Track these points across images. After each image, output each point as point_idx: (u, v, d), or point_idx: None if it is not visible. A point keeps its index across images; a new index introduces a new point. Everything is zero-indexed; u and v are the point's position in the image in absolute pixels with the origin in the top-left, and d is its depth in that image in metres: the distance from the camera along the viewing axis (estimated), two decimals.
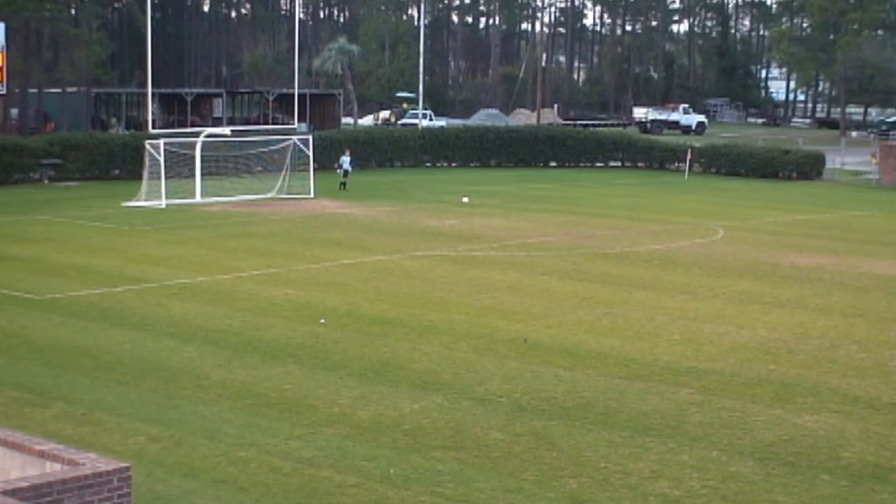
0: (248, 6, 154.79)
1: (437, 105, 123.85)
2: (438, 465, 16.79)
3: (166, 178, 50.35)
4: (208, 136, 56.44)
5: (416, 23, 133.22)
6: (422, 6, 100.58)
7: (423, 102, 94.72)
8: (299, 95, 72.85)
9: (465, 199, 54.02)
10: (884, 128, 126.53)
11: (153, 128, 67.86)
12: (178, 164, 52.94)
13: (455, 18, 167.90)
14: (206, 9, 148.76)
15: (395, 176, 64.99)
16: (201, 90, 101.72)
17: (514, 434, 18.28)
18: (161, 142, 51.70)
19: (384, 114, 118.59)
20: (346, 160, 59.25)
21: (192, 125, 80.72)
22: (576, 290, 31.46)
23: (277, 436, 18.05)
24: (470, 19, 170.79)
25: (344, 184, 58.06)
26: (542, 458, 17.17)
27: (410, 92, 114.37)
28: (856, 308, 30.22)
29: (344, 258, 36.00)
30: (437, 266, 35.21)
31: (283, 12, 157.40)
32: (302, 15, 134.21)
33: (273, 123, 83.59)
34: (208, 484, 16.06)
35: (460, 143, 78.13)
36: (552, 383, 21.35)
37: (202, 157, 53.73)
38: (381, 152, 74.74)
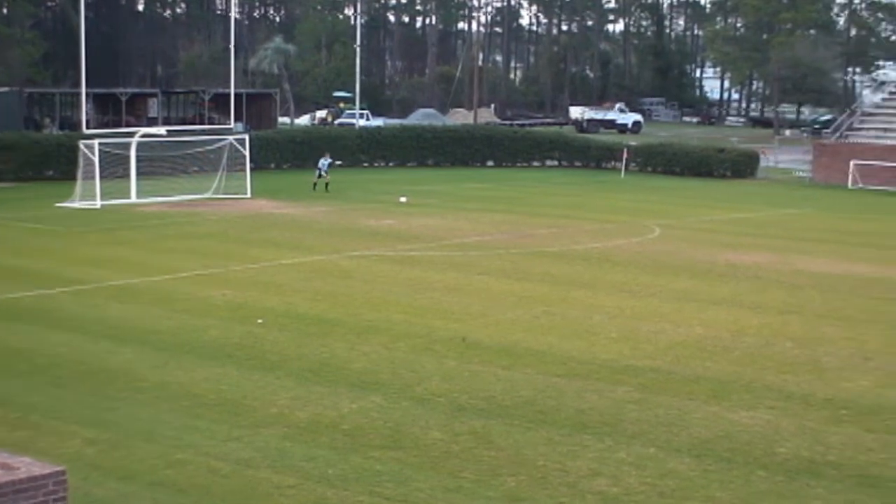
0: (183, 6, 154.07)
1: (375, 104, 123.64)
2: (377, 465, 16.79)
3: (101, 178, 49.92)
4: (143, 136, 56.07)
5: (352, 22, 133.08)
6: (358, 6, 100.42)
7: (360, 102, 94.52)
8: (235, 95, 72.68)
9: (404, 199, 54.01)
10: (817, 126, 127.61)
11: (87, 128, 67.37)
12: (113, 165, 52.48)
13: (392, 18, 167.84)
14: (140, 8, 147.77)
15: (333, 176, 64.57)
16: (136, 90, 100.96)
17: (453, 433, 18.31)
18: (95, 142, 51.21)
19: (321, 113, 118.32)
20: (325, 163, 58.63)
21: (127, 125, 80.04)
22: (514, 289, 31.54)
23: (215, 437, 17.98)
24: (406, 19, 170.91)
25: (326, 184, 57.55)
26: (481, 457, 17.20)
27: (347, 91, 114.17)
28: (790, 305, 30.50)
29: (282, 258, 35.90)
30: (376, 266, 35.19)
31: (218, 12, 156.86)
32: (237, 14, 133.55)
33: (209, 123, 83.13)
34: (146, 486, 15.97)
35: (398, 142, 78.10)
36: (491, 382, 21.40)
37: (137, 157, 53.30)
38: (318, 152, 74.34)
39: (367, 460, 17.00)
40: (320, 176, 58.07)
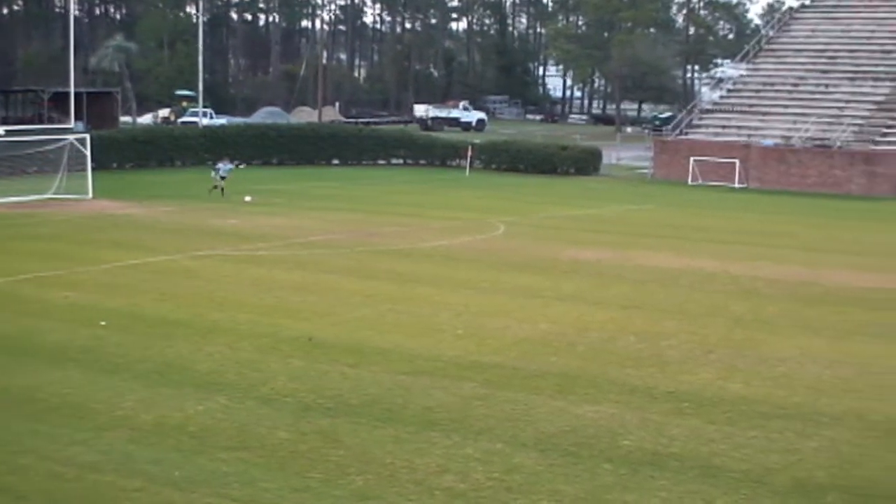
0: (20, 3, 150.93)
1: (218, 103, 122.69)
2: (224, 467, 16.66)
3: None
4: None
5: (194, 20, 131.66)
6: (200, 3, 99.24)
7: (204, 100, 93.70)
8: (75, 94, 71.48)
9: (248, 199, 53.64)
10: (657, 123, 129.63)
11: None
12: None
13: (234, 16, 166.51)
14: None
15: (176, 175, 64.16)
16: None
17: (300, 433, 18.24)
18: None
19: (163, 112, 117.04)
20: (225, 167, 57.12)
21: None
22: (360, 287, 31.52)
23: (59, 441, 17.67)
24: (249, 17, 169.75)
25: (222, 189, 55.97)
26: (329, 457, 17.17)
27: (190, 90, 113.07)
28: (633, 300, 30.96)
29: (125, 259, 35.40)
30: (220, 266, 34.91)
31: (57, 9, 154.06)
32: (77, 12, 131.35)
33: (49, 123, 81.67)
34: None
35: (242, 141, 77.53)
36: (337, 381, 21.36)
37: None
38: (161, 151, 73.74)
39: (214, 462, 16.86)
40: (223, 178, 56.60)
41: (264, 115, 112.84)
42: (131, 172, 68.65)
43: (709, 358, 24.32)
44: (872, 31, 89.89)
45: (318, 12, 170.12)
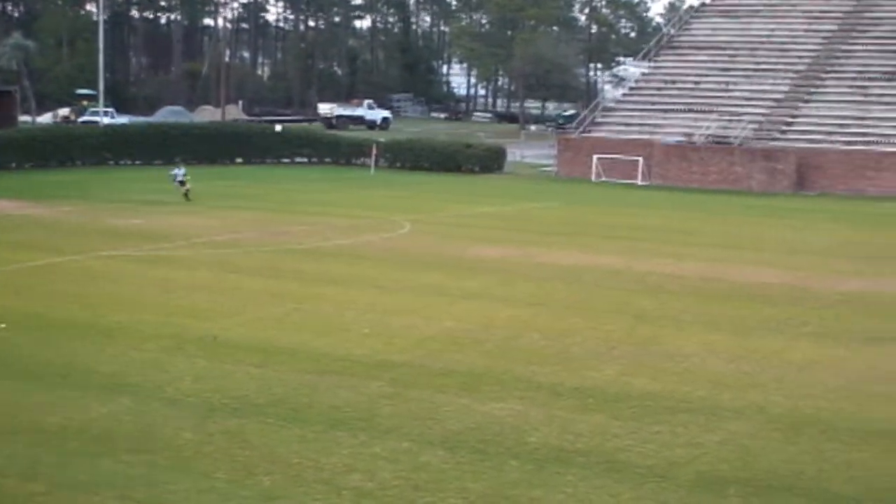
0: None
1: (119, 102, 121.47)
2: (129, 469, 16.51)
3: None
4: None
5: (94, 18, 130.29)
6: (100, 1, 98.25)
7: (105, 99, 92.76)
8: None
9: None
10: (561, 121, 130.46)
11: None
12: None
13: (135, 14, 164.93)
14: None
15: (77, 175, 63.46)
16: None
17: (206, 434, 18.13)
18: None
19: (63, 111, 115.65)
20: (178, 172, 56.07)
21: None
22: (266, 286, 31.38)
23: None
24: (151, 15, 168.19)
25: (186, 193, 55.07)
26: (235, 457, 17.08)
27: (91, 89, 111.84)
28: (538, 297, 31.12)
29: (26, 260, 34.92)
30: (124, 266, 34.59)
31: None
32: None
33: None
34: None
35: (144, 140, 76.89)
36: (243, 381, 21.25)
37: None
38: (61, 151, 72.85)
39: (118, 464, 16.70)
40: (182, 184, 55.53)
41: (166, 114, 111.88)
42: (31, 172, 67.79)
43: (613, 354, 24.50)
44: (772, 29, 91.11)
45: (221, 10, 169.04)
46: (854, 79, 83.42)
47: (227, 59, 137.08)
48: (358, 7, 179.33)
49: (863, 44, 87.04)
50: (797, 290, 34.07)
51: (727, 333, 27.18)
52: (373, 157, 79.26)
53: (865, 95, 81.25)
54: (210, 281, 32.11)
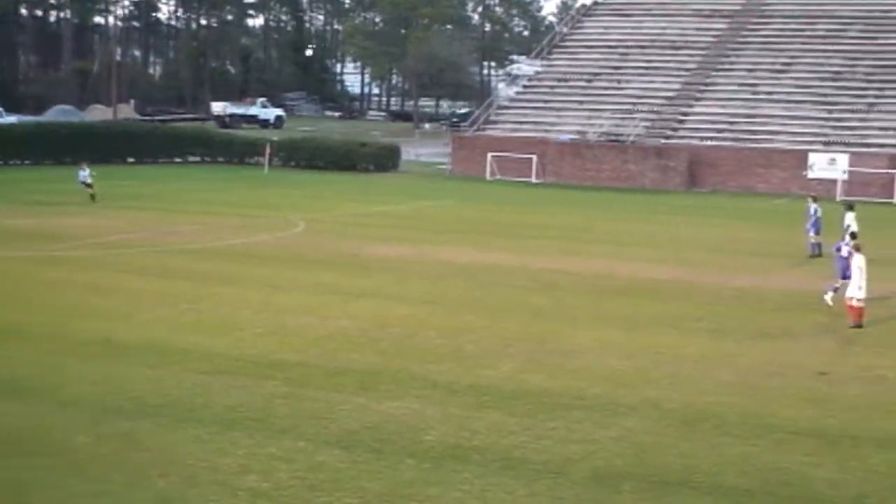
0: None
1: (8, 101, 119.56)
2: (22, 473, 16.26)
3: None
4: None
5: None
6: None
7: None
8: None
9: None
10: (455, 119, 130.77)
11: None
12: None
13: (24, 11, 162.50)
14: None
15: None
16: None
17: (100, 436, 17.91)
18: None
19: None
20: (83, 174, 54.76)
21: None
22: (159, 287, 31.09)
23: None
24: (40, 13, 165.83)
25: (92, 195, 53.86)
26: (130, 459, 16.90)
27: None
28: (434, 296, 31.17)
29: None
30: (15, 267, 34.07)
31: None
32: None
33: None
34: None
35: (33, 140, 75.76)
36: (137, 382, 21.03)
37: None
38: None
39: (11, 469, 16.45)
40: (88, 185, 54.13)
41: (57, 114, 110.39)
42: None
43: (509, 351, 24.60)
44: (663, 28, 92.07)
45: (111, 8, 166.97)
46: (744, 77, 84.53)
47: (118, 57, 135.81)
48: (251, 5, 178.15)
49: (752, 42, 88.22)
50: (690, 286, 34.49)
51: (622, 330, 27.41)
52: (267, 156, 78.88)
53: (755, 93, 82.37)
54: (103, 282, 31.74)
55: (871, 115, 78.18)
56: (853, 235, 32.51)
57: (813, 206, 42.65)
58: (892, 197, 69.87)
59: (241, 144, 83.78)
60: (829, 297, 30.80)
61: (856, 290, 28.39)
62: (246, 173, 74.44)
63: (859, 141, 75.70)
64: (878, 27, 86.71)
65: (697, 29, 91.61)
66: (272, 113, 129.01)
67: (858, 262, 28.64)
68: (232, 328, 26.05)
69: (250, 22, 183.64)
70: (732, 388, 22.00)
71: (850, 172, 72.33)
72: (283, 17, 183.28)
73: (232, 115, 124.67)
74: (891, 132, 75.96)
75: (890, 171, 71.02)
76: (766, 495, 16.29)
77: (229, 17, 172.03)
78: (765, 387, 22.24)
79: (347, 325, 26.70)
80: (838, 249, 31.29)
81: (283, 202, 55.28)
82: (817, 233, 42.12)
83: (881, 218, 54.38)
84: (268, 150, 79.21)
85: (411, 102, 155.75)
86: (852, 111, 78.91)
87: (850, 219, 39.80)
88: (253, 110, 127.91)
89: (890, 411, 20.77)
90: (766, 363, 24.34)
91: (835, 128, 77.71)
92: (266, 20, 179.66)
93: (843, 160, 73.28)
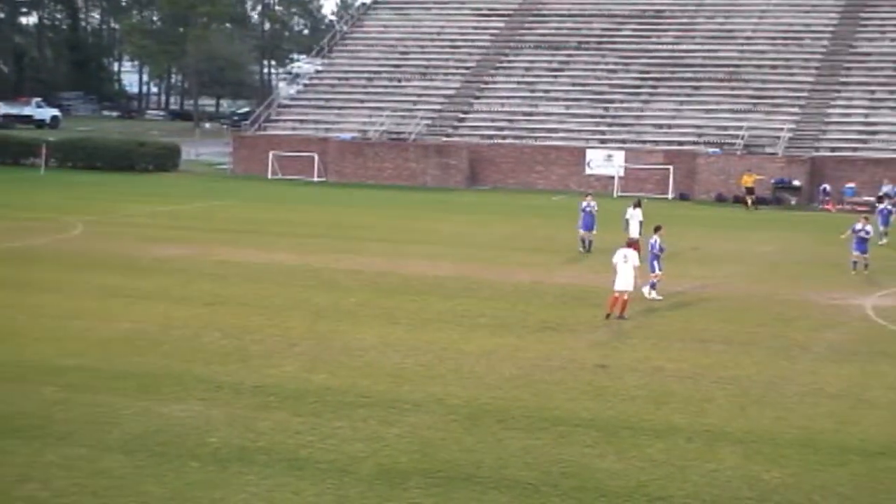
0: None
1: None
2: None
3: None
4: None
5: None
6: None
7: None
8: None
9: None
10: (236, 118, 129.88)
11: None
12: None
13: None
14: None
15: None
16: None
17: None
18: None
19: None
20: None
21: None
22: None
23: None
24: None
25: None
26: None
27: None
28: (217, 296, 30.92)
29: None
30: None
31: None
32: None
33: None
34: None
35: None
36: None
37: None
38: None
39: None
40: None
41: None
42: None
43: (293, 351, 24.59)
44: (442, 27, 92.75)
45: None
46: (522, 75, 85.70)
47: None
48: (24, 3, 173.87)
49: (529, 41, 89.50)
50: (471, 282, 34.90)
51: (405, 326, 27.61)
52: (43, 157, 77.13)
53: (533, 91, 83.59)
54: None
55: (646, 113, 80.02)
56: (656, 229, 33.35)
57: (584, 203, 43.42)
58: (667, 193, 71.65)
59: (16, 145, 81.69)
60: (646, 290, 31.89)
61: (627, 284, 29.23)
62: (21, 175, 72.63)
63: (635, 138, 77.42)
64: (651, 26, 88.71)
65: (476, 28, 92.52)
66: (48, 113, 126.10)
67: (634, 258, 29.47)
68: (9, 333, 25.43)
69: (24, 20, 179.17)
70: (515, 382, 22.36)
71: (627, 169, 73.94)
72: (59, 16, 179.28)
73: (6, 116, 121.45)
74: (665, 129, 77.88)
75: (665, 166, 72.77)
76: (550, 487, 16.60)
77: (2, 15, 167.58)
78: (547, 380, 22.67)
79: (129, 328, 26.34)
80: (653, 248, 32.52)
81: (60, 204, 54.14)
82: (587, 228, 42.90)
83: (658, 214, 55.71)
84: (44, 151, 77.45)
85: (191, 101, 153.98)
86: (627, 109, 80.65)
87: (636, 214, 40.74)
88: (27, 110, 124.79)
89: (666, 402, 21.37)
90: (547, 357, 24.79)
91: (611, 125, 79.35)
92: (40, 18, 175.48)
93: (619, 157, 74.86)
